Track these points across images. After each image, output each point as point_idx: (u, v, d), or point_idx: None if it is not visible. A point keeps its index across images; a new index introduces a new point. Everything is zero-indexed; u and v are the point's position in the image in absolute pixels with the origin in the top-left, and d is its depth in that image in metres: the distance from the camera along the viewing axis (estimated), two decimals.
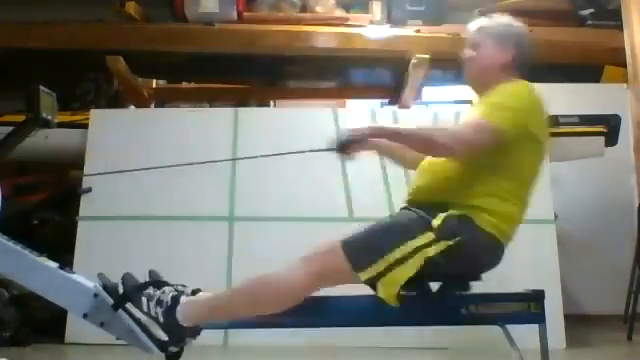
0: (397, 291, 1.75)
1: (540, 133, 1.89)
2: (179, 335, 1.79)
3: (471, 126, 1.84)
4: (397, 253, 1.75)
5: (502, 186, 1.85)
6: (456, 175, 1.87)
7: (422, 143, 1.88)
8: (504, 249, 1.89)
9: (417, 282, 1.86)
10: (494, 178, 1.85)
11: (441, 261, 1.76)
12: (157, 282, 1.85)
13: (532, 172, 1.93)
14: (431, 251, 1.76)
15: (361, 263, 1.76)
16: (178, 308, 1.78)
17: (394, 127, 2.02)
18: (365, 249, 1.78)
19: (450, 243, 1.76)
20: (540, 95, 1.93)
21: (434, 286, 1.95)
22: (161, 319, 1.78)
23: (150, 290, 1.82)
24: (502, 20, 2.04)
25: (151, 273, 1.88)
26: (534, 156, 1.92)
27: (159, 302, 1.79)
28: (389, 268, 1.74)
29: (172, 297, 1.79)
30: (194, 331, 1.82)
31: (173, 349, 1.81)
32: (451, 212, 1.81)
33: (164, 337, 1.78)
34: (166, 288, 1.83)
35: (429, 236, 1.77)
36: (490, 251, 1.86)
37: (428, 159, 2.00)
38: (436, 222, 1.79)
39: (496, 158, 1.83)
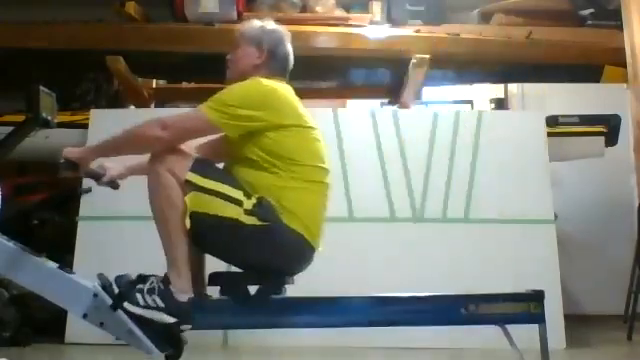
0: (199, 214, 1.79)
1: (270, 115, 1.88)
2: (184, 311, 1.82)
3: (180, 115, 1.98)
4: (227, 189, 1.82)
5: (281, 177, 1.87)
6: (246, 171, 1.90)
7: (135, 141, 1.93)
8: (312, 249, 1.91)
9: (234, 283, 1.90)
10: (273, 172, 1.87)
11: (249, 236, 1.80)
12: (143, 277, 1.88)
13: (308, 154, 1.93)
14: (246, 218, 1.80)
15: (199, 169, 1.84)
16: (171, 287, 1.82)
17: (103, 140, 2.02)
18: (209, 166, 1.88)
19: (259, 224, 1.80)
20: (274, 85, 1.95)
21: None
22: (161, 304, 1.81)
23: (140, 285, 1.85)
24: (259, 23, 2.11)
25: (118, 277, 1.90)
26: (279, 135, 1.89)
27: (151, 290, 1.83)
28: (212, 192, 1.81)
29: (162, 280, 1.84)
30: (193, 306, 1.84)
31: (185, 327, 1.84)
32: (263, 197, 1.83)
33: (171, 320, 1.81)
34: (152, 278, 1.87)
35: (249, 203, 1.81)
36: (294, 247, 1.87)
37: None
38: (252, 200, 1.82)
39: (257, 152, 1.87)
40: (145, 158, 1.97)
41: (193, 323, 1.86)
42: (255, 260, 1.87)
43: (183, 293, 1.83)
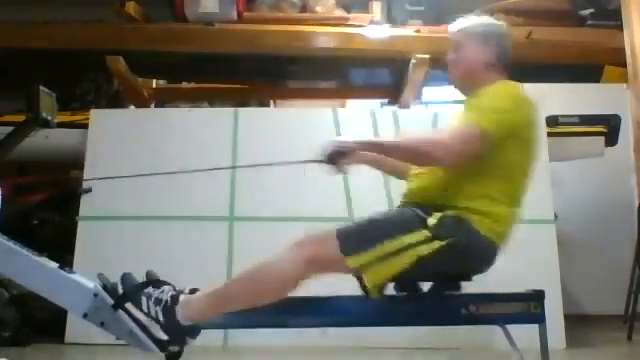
0: (381, 283, 1.75)
1: (528, 133, 1.89)
2: (179, 334, 1.79)
3: (459, 135, 1.81)
4: (389, 246, 1.74)
5: (494, 187, 1.85)
6: (449, 177, 1.86)
7: (410, 155, 1.88)
8: (498, 251, 1.89)
9: (408, 282, 1.87)
10: (486, 179, 1.85)
11: (434, 261, 1.76)
12: (156, 281, 1.85)
13: (524, 172, 1.93)
14: (424, 249, 1.75)
15: (351, 250, 1.75)
16: (177, 307, 1.77)
17: (380, 140, 2.00)
18: (358, 238, 1.77)
19: (444, 243, 1.76)
20: (529, 96, 1.92)
21: (426, 285, 1.95)
22: (161, 318, 1.77)
23: (149, 290, 1.81)
24: (481, 20, 2.04)
25: (148, 273, 1.88)
26: (525, 156, 1.91)
27: (158, 301, 1.78)
28: (379, 260, 1.74)
29: (171, 296, 1.79)
30: (194, 330, 1.82)
31: (173, 349, 1.80)
32: (447, 212, 1.81)
33: (164, 337, 1.78)
34: (165, 287, 1.83)
35: (424, 234, 1.77)
36: (484, 253, 1.85)
37: None
38: (432, 220, 1.79)
39: (486, 160, 1.82)
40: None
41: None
42: (450, 273, 1.86)
43: (186, 319, 1.78)
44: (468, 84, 2.00)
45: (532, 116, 1.91)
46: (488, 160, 1.82)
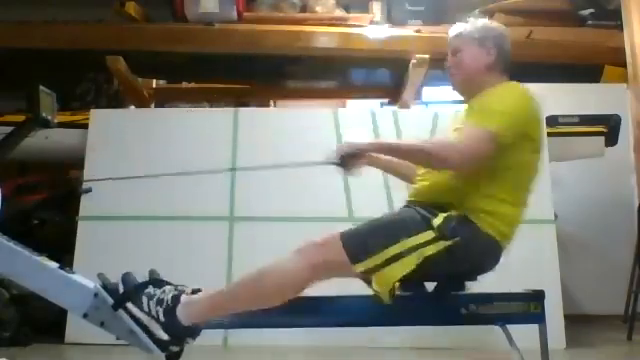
0: (391, 287, 1.75)
1: (536, 133, 1.90)
2: (179, 335, 1.78)
3: (471, 138, 1.80)
4: (396, 249, 1.74)
5: (500, 187, 1.86)
6: (455, 177, 1.87)
7: (423, 158, 1.87)
8: (502, 250, 1.89)
9: (414, 282, 1.87)
10: (492, 179, 1.85)
11: (440, 261, 1.76)
12: (157, 281, 1.85)
13: (530, 173, 1.94)
14: (430, 250, 1.76)
15: (358, 255, 1.75)
16: (179, 307, 1.77)
17: (393, 142, 2.01)
18: (364, 242, 1.77)
19: (449, 243, 1.76)
20: (534, 95, 1.92)
21: (430, 286, 1.96)
22: (161, 318, 1.77)
23: (150, 289, 1.81)
24: (478, 23, 2.05)
25: (151, 272, 1.88)
26: (531, 157, 1.92)
27: (159, 301, 1.78)
28: (386, 263, 1.74)
29: (173, 296, 1.79)
30: (194, 331, 1.82)
31: (173, 349, 1.80)
32: (451, 212, 1.81)
33: (164, 337, 1.78)
34: (167, 287, 1.82)
35: (429, 234, 1.77)
36: (489, 252, 1.86)
37: None
38: (437, 221, 1.79)
39: (494, 160, 1.83)
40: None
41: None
42: (455, 273, 1.86)
43: (187, 319, 1.78)
44: (470, 88, 2.01)
45: (539, 115, 1.92)
46: (495, 160, 1.82)
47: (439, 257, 1.76)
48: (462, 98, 2.10)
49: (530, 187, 1.95)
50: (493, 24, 2.06)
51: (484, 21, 2.07)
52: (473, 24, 2.04)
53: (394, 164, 2.10)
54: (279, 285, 1.76)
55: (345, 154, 1.87)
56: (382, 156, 2.06)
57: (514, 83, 1.95)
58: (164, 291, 1.80)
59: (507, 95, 1.89)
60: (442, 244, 1.76)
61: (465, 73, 2.00)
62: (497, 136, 1.78)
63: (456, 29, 2.05)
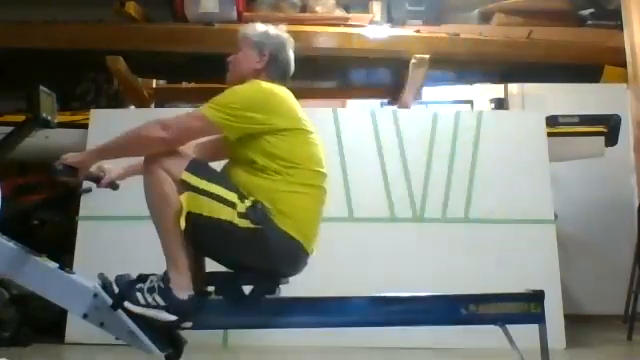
0: (194, 214, 1.79)
1: (268, 118, 1.88)
2: (184, 309, 1.82)
3: (179, 116, 1.94)
4: (221, 191, 1.82)
5: (282, 180, 1.87)
6: (243, 174, 1.90)
7: (135, 145, 1.94)
8: (305, 253, 1.91)
9: (228, 283, 1.91)
10: (268, 175, 1.87)
11: (243, 237, 1.80)
12: (143, 276, 1.89)
13: (306, 158, 1.94)
14: (240, 221, 1.80)
15: (195, 169, 1.85)
16: (171, 285, 1.82)
17: (100, 146, 2.03)
18: (207, 167, 1.89)
19: (252, 226, 1.80)
20: (274, 88, 1.95)
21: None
22: (161, 302, 1.82)
23: (140, 284, 1.86)
24: (263, 28, 2.10)
25: (122, 276, 1.91)
26: (281, 138, 1.90)
27: (151, 289, 1.83)
28: (206, 193, 1.81)
29: (162, 278, 1.85)
30: (197, 303, 1.85)
31: (186, 324, 1.85)
32: (256, 200, 1.84)
33: (172, 317, 1.81)
34: (152, 277, 1.88)
35: (242, 206, 1.82)
36: (287, 250, 1.87)
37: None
38: (247, 202, 1.83)
39: (255, 155, 1.87)
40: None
41: (193, 322, 1.86)
42: (246, 262, 1.87)
43: (183, 291, 1.83)
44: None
45: (278, 107, 1.92)
46: (249, 152, 1.88)
47: (244, 233, 1.80)
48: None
49: (316, 171, 1.95)
50: (276, 31, 2.10)
51: (270, 27, 2.11)
52: (255, 27, 2.10)
53: (137, 168, 2.10)
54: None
55: (62, 167, 1.99)
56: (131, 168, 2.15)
57: (260, 82, 1.97)
58: (151, 280, 1.86)
59: (239, 87, 1.94)
60: (246, 223, 1.80)
61: (237, 71, 2.07)
62: (206, 116, 1.88)
63: (244, 28, 2.14)
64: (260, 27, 2.10)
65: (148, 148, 1.90)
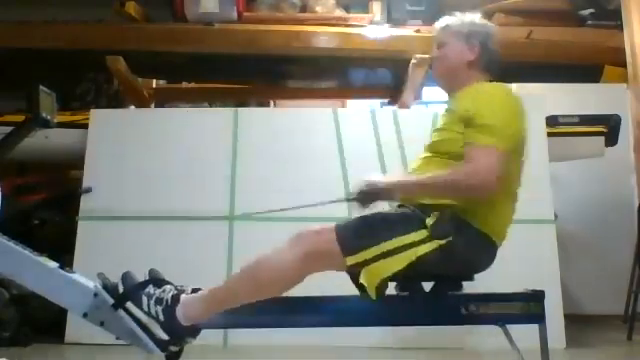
0: (379, 282, 1.73)
1: (524, 133, 1.90)
2: (179, 334, 1.79)
3: (484, 157, 1.75)
4: (388, 245, 1.74)
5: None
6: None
7: (446, 192, 1.80)
8: (496, 248, 1.89)
9: (409, 282, 1.87)
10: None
11: (433, 260, 1.76)
12: (157, 280, 1.85)
13: (518, 167, 1.94)
14: (423, 249, 1.75)
15: (351, 247, 1.75)
16: (178, 307, 1.77)
17: (413, 180, 1.88)
18: (357, 235, 1.77)
19: (442, 242, 1.75)
20: (515, 93, 1.93)
21: (427, 286, 1.95)
22: (161, 318, 1.77)
23: (150, 289, 1.81)
24: (467, 18, 2.04)
25: (151, 272, 1.88)
26: (519, 152, 1.92)
27: (159, 301, 1.78)
28: (377, 258, 1.73)
29: (172, 296, 1.79)
30: (194, 330, 1.82)
31: (173, 348, 1.80)
32: (444, 211, 1.80)
33: (164, 336, 1.78)
34: (166, 287, 1.83)
35: (422, 233, 1.76)
36: (483, 251, 1.86)
37: (416, 162, 2.01)
38: (430, 220, 1.78)
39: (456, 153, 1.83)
40: None
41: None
42: (446, 274, 1.85)
43: (188, 320, 1.78)
44: (450, 82, 2.03)
45: (524, 116, 1.92)
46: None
47: (432, 256, 1.75)
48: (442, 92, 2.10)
49: (519, 180, 1.95)
50: (481, 21, 2.05)
51: (474, 17, 2.06)
52: (461, 19, 2.04)
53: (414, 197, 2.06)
54: (275, 273, 1.76)
55: (364, 193, 1.87)
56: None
57: (497, 85, 1.93)
58: (164, 290, 1.81)
59: (498, 103, 1.86)
60: (435, 243, 1.75)
61: (446, 66, 2.01)
62: (504, 152, 1.77)
63: (443, 21, 2.07)
64: (465, 17, 2.03)
65: (460, 198, 1.80)
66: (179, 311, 1.77)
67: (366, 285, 1.73)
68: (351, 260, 1.74)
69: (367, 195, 1.87)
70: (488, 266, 1.91)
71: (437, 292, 1.93)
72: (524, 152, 1.95)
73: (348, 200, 1.91)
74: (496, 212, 1.85)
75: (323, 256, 1.77)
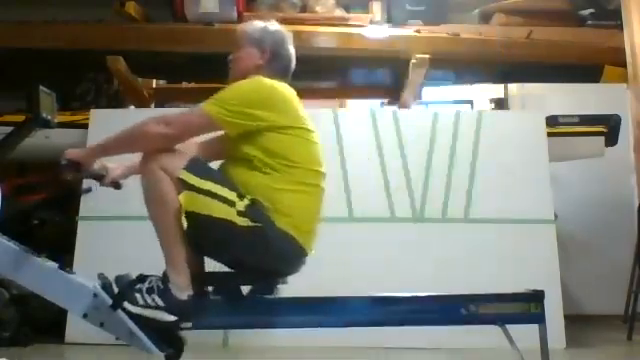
0: (191, 212, 1.78)
1: (269, 114, 1.88)
2: (184, 309, 1.83)
3: (188, 115, 1.93)
4: (216, 188, 1.81)
5: (274, 178, 1.87)
6: (241, 171, 1.89)
7: (136, 141, 1.91)
8: (302, 247, 1.89)
9: (226, 283, 1.92)
10: (265, 173, 1.87)
11: (245, 238, 1.79)
12: (143, 277, 1.89)
13: (306, 157, 1.94)
14: (239, 219, 1.78)
15: (194, 169, 1.83)
16: (170, 285, 1.82)
17: (108, 138, 1.99)
18: (203, 166, 1.87)
19: (253, 225, 1.79)
20: (275, 84, 1.95)
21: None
22: (160, 303, 1.82)
23: (139, 285, 1.86)
24: (261, 24, 2.11)
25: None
26: (283, 137, 1.90)
27: (150, 290, 1.84)
28: (202, 191, 1.79)
29: (160, 279, 1.85)
30: (195, 303, 1.84)
31: (185, 325, 1.85)
32: (257, 199, 1.83)
33: (172, 318, 1.82)
34: (152, 277, 1.88)
35: (241, 204, 1.80)
36: (286, 248, 1.86)
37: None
38: (246, 201, 1.81)
39: (254, 152, 1.87)
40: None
41: (193, 322, 1.86)
42: (246, 260, 1.86)
43: (182, 291, 1.83)
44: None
45: (276, 96, 1.93)
46: (258, 152, 1.86)
47: (245, 233, 1.78)
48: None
49: (314, 172, 1.95)
50: (275, 27, 2.11)
51: (269, 23, 2.12)
52: (254, 24, 2.11)
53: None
54: (160, 189, 1.85)
55: (64, 164, 1.95)
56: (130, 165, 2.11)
57: (261, 78, 1.97)
58: (150, 281, 1.86)
59: (240, 83, 1.95)
60: (245, 221, 1.79)
61: (239, 68, 2.07)
62: (207, 113, 1.86)
63: (242, 25, 2.15)
64: (259, 23, 2.11)
65: (149, 144, 1.89)
66: (173, 288, 1.82)
67: (183, 206, 1.79)
68: (185, 176, 1.81)
69: (69, 166, 1.94)
70: (294, 267, 1.93)
71: (254, 295, 1.94)
72: (314, 138, 1.99)
73: (56, 174, 1.98)
74: (292, 203, 1.86)
75: (169, 163, 1.84)
